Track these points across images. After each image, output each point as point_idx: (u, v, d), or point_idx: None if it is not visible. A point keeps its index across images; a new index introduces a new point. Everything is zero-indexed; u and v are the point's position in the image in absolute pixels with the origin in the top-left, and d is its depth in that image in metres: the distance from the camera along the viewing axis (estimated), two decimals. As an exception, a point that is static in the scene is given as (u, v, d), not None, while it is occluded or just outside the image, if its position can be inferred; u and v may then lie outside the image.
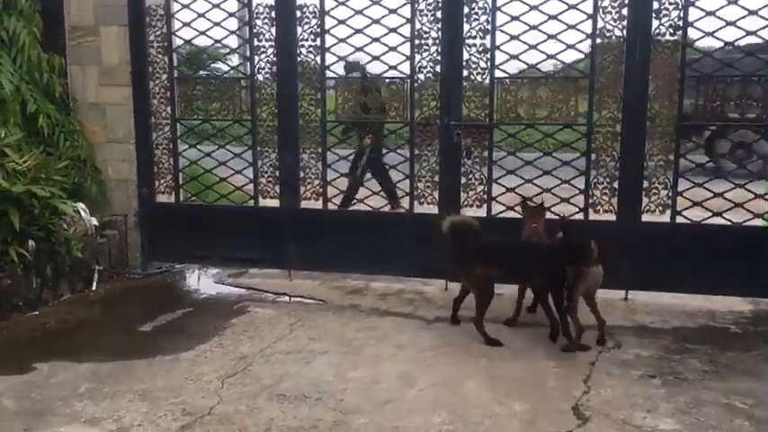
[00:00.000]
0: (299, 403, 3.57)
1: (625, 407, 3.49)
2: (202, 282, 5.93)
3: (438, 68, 5.35)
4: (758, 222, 5.03)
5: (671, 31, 4.91)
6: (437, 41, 5.31)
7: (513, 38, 5.18)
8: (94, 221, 5.63)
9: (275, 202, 5.84)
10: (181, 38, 5.88)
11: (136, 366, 4.06)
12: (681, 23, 4.89)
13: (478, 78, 5.33)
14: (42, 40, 5.69)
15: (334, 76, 5.71)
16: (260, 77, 5.71)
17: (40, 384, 3.82)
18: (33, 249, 5.00)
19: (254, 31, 5.63)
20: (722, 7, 4.84)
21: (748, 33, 4.79)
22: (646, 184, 5.12)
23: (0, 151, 5.01)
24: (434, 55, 5.34)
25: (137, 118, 5.90)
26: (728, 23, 4.78)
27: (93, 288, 5.62)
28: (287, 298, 5.43)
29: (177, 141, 5.99)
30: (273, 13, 5.57)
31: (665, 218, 5.12)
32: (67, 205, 5.26)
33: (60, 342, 4.52)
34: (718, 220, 5.05)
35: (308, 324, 4.78)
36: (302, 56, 5.58)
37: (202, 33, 5.84)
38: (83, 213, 5.52)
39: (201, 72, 6.06)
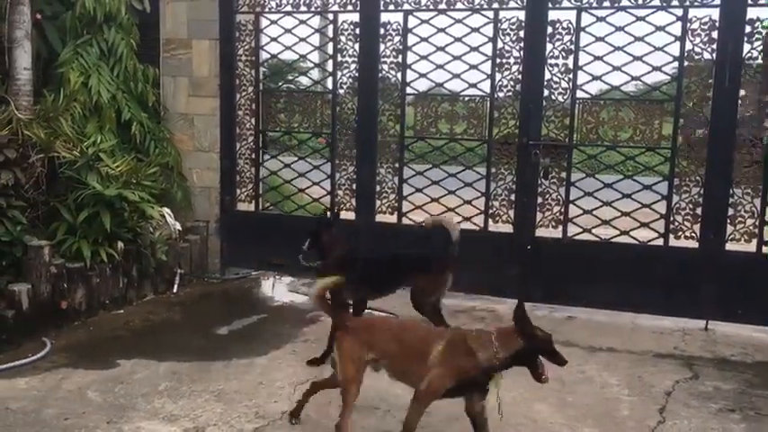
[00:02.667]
0: (368, 414, 3.62)
1: (702, 441, 3.39)
2: (277, 289, 6.08)
3: (518, 87, 5.36)
4: None
5: (763, 54, 4.76)
6: (519, 60, 5.32)
7: (596, 58, 5.13)
8: (178, 226, 5.86)
9: (351, 215, 5.93)
10: (268, 52, 6.09)
11: (212, 368, 4.20)
12: (774, 47, 4.74)
13: (559, 98, 5.30)
14: (138, 51, 5.99)
15: (414, 92, 5.77)
16: (341, 92, 5.84)
17: (123, 380, 4.01)
18: (122, 250, 5.25)
19: (338, 46, 5.77)
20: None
21: None
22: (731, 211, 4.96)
23: (96, 156, 5.29)
24: (515, 74, 5.35)
25: (222, 128, 6.14)
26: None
27: (175, 290, 5.84)
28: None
29: (260, 152, 6.18)
30: (357, 30, 5.69)
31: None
32: (155, 210, 5.49)
33: (142, 341, 4.72)
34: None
35: (378, 336, 4.81)
36: (383, 72, 5.68)
37: (288, 48, 6.03)
38: (168, 218, 5.75)
39: (285, 86, 6.23)
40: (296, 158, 6.28)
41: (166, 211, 5.78)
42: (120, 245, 5.23)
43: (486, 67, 5.43)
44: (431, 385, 3.07)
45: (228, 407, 3.68)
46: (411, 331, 3.36)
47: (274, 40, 5.99)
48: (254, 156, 6.18)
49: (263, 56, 6.12)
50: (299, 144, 6.47)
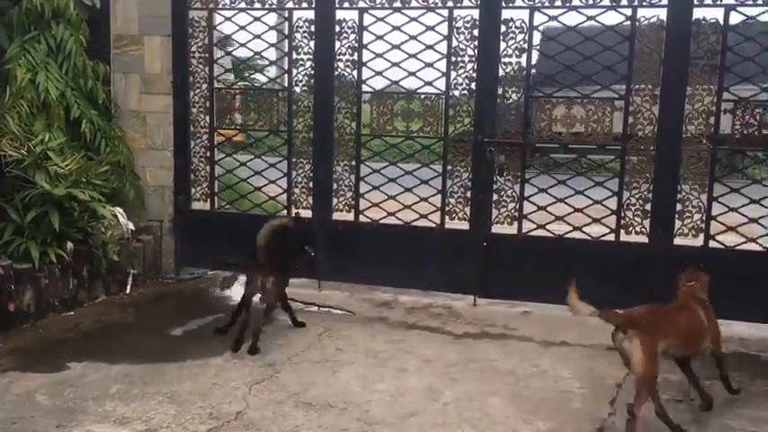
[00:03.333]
0: (325, 412, 3.61)
1: (651, 430, 3.45)
2: (234, 289, 6.02)
3: (473, 85, 5.39)
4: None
5: (708, 55, 4.88)
6: (473, 59, 5.36)
7: (549, 57, 5.21)
8: (131, 226, 5.74)
9: (308, 213, 5.90)
10: (222, 49, 6.02)
11: (166, 369, 4.14)
12: (719, 47, 4.85)
13: (514, 96, 5.35)
14: (88, 47, 5.85)
15: (371, 90, 5.77)
16: (297, 90, 5.81)
17: (73, 383, 3.92)
18: (71, 251, 5.13)
19: (293, 44, 5.73)
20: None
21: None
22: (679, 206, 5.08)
23: (44, 154, 5.16)
24: (470, 72, 5.38)
25: (176, 126, 6.05)
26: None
27: (128, 291, 5.74)
28: (316, 308, 5.48)
29: (214, 150, 6.11)
30: (313, 27, 5.67)
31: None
32: (106, 209, 5.38)
33: (94, 343, 4.62)
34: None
35: (335, 335, 4.82)
36: (339, 70, 5.67)
37: (242, 45, 5.98)
38: (120, 218, 5.63)
39: (241, 83, 6.17)
40: (252, 156, 6.22)
41: (118, 210, 5.66)
42: (70, 245, 5.11)
43: (442, 65, 5.45)
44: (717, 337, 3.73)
45: (182, 408, 3.63)
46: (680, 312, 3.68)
47: (229, 37, 5.93)
48: (208, 154, 6.10)
49: (217, 53, 6.05)
50: (255, 142, 6.41)
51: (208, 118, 6.05)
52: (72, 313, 5.17)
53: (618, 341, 3.43)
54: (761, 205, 4.97)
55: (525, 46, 5.23)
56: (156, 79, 6.02)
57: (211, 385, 3.93)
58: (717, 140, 5.00)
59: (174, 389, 3.86)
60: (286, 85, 5.87)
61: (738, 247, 5.00)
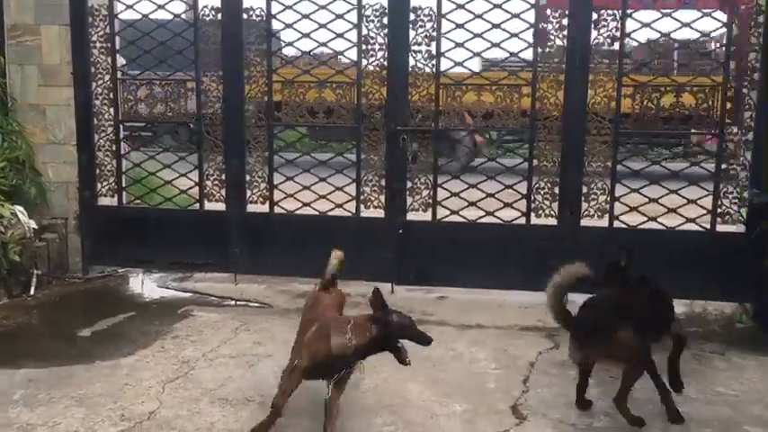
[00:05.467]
0: (242, 407, 3.56)
1: (561, 406, 3.58)
2: (146, 286, 5.85)
3: (384, 74, 5.40)
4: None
5: (609, 41, 5.07)
6: (384, 47, 5.36)
7: (458, 45, 5.28)
8: (33, 224, 5.49)
9: (221, 206, 5.79)
10: (124, 39, 5.80)
11: (74, 372, 3.98)
12: (618, 34, 5.04)
13: (424, 84, 5.39)
14: (-21, 38, 5.54)
15: (282, 79, 5.69)
16: (206, 79, 5.67)
17: (-27, 391, 3.72)
18: (-32, 253, 4.86)
19: (200, 32, 5.58)
20: (656, 20, 5.04)
21: (682, 47, 4.98)
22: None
23: (-67, 152, 4.87)
24: (381, 60, 5.39)
25: (78, 119, 5.78)
26: (663, 35, 4.97)
27: (32, 293, 5.47)
28: (232, 302, 5.40)
29: (120, 143, 5.90)
30: (220, 15, 5.53)
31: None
32: (5, 208, 5.14)
33: (-5, 348, 4.40)
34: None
35: (253, 328, 4.76)
36: (249, 58, 5.56)
37: (146, 35, 5.78)
38: (21, 216, 5.38)
39: (146, 73, 5.95)
40: (161, 149, 6.04)
41: (19, 208, 5.40)
42: (-34, 247, 4.85)
43: (353, 53, 5.45)
44: (295, 365, 3.20)
45: (91, 411, 3.50)
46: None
47: (131, 26, 5.72)
48: (114, 147, 5.87)
49: (120, 42, 5.83)
50: (163, 134, 6.22)
51: (112, 110, 5.82)
52: (-29, 318, 4.91)
53: None
54: (661, 186, 5.21)
55: (434, 34, 5.28)
56: (56, 71, 5.74)
57: (122, 386, 3.80)
58: (619, 125, 5.20)
59: (83, 391, 3.72)
60: (194, 75, 5.72)
61: (640, 227, 5.23)
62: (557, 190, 5.30)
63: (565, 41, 5.12)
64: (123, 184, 5.96)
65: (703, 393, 3.77)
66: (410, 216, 5.55)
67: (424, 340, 3.11)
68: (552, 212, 5.32)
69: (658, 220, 5.21)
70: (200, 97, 5.67)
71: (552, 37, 5.14)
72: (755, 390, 3.84)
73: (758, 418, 3.49)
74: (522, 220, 5.38)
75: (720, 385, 3.89)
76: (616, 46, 5.07)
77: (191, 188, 5.96)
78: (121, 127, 5.92)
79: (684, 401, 3.63)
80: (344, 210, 5.62)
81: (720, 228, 5.15)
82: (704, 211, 5.16)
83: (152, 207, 6.06)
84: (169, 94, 5.79)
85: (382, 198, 5.54)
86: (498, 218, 5.41)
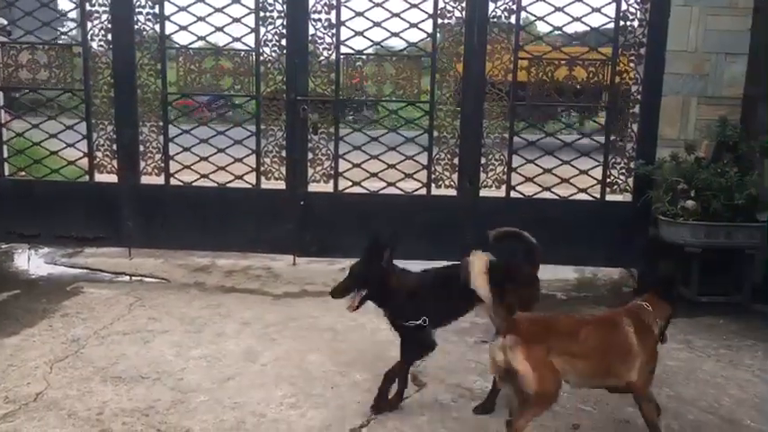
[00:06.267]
0: (135, 384, 3.44)
1: (459, 371, 3.67)
2: (32, 262, 5.56)
3: (284, 42, 5.29)
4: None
5: (506, 14, 5.15)
6: (282, 14, 5.24)
7: (358, 14, 5.22)
8: None
9: (113, 178, 5.54)
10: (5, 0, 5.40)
11: (-49, 355, 3.73)
12: (515, 7, 5.13)
13: (324, 54, 5.32)
14: None
15: (176, 45, 5.47)
16: (94, 45, 5.36)
17: None
18: None
19: (87, -6, 5.27)
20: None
21: (575, 20, 5.12)
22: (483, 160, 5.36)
23: None
24: (280, 28, 5.26)
25: (-49, 86, 5.37)
26: (557, 9, 5.09)
27: None
28: (126, 277, 5.21)
29: (1, 112, 5.51)
30: (107, -24, 5.24)
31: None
32: None
33: None
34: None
35: (148, 303, 4.61)
36: (140, 23, 5.30)
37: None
38: None
39: (26, 38, 5.56)
40: (45, 118, 5.67)
41: None
42: None
43: (251, 20, 5.28)
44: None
45: (-29, 395, 3.30)
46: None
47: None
48: (-6, 116, 5.50)
49: (-1, 2, 5.43)
50: (47, 102, 5.84)
51: (-9, 77, 5.43)
52: None
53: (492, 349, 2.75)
54: (554, 157, 5.39)
55: (334, 2, 5.19)
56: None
57: (6, 367, 3.60)
58: (515, 97, 5.32)
59: (-39, 375, 3.50)
60: (80, 39, 5.40)
61: (536, 197, 5.39)
62: (456, 161, 5.38)
63: (464, 13, 5.15)
64: (5, 155, 5.59)
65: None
66: (312, 187, 5.50)
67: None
68: (452, 183, 5.40)
69: (552, 190, 5.38)
70: (87, 63, 5.37)
71: (451, 9, 5.16)
72: (639, 349, 4.06)
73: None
74: (424, 191, 5.44)
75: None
76: (513, 19, 5.15)
77: (79, 159, 5.66)
78: (1, 94, 5.53)
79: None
80: (245, 182, 5.50)
81: (609, 197, 5.38)
82: (594, 182, 5.38)
83: (37, 179, 5.72)
84: (53, 60, 5.44)
85: (283, 170, 5.45)
86: (400, 189, 5.44)
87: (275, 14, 5.24)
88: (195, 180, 5.56)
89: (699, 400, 3.44)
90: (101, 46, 5.36)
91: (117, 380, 3.48)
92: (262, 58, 5.33)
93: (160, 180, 5.53)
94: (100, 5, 5.27)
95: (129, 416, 3.13)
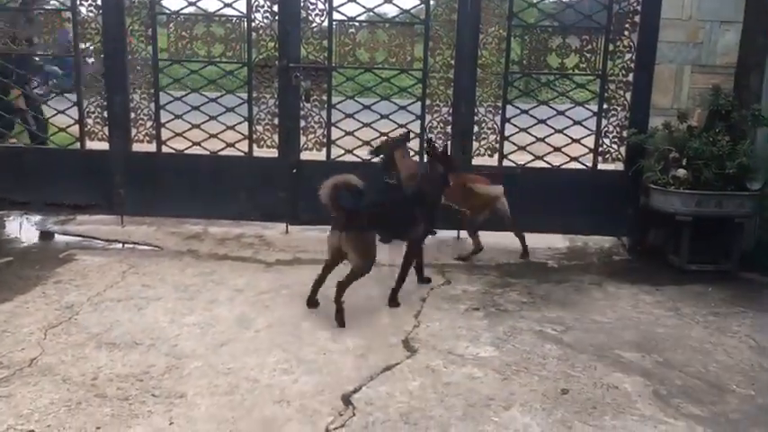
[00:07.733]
0: (130, 350, 3.47)
1: (450, 338, 3.71)
2: (24, 230, 5.54)
3: (276, 8, 5.23)
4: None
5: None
6: (274, -20, 5.18)
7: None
8: None
9: (105, 145, 5.51)
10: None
11: (-57, 322, 3.74)
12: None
13: (317, 20, 5.27)
14: None
15: (166, 11, 5.40)
16: (83, 9, 5.30)
17: None
18: None
19: (75, -44, 5.19)
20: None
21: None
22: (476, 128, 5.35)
23: None
24: (272, -6, 5.21)
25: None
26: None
27: None
28: (119, 245, 5.21)
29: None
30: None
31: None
32: None
33: None
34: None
35: (141, 271, 4.62)
36: (131, -15, 5.24)
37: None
38: None
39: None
40: (35, 85, 5.64)
41: None
42: None
43: (242, -15, 5.23)
44: None
45: (-35, 361, 3.32)
46: None
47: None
48: (-17, 83, 5.44)
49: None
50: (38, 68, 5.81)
51: (-23, 42, 5.36)
52: None
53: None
54: (547, 125, 5.39)
55: (325, -32, 5.14)
56: None
57: (0, 333, 3.62)
58: (508, 65, 5.29)
59: (-45, 342, 3.51)
60: (69, 4, 5.32)
61: (528, 165, 5.40)
62: (449, 129, 5.37)
63: (458, -19, 5.11)
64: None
65: (581, 322, 3.99)
66: (304, 155, 5.49)
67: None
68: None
69: (545, 158, 5.39)
70: (76, 28, 5.30)
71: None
72: (628, 317, 4.11)
73: (630, 343, 3.74)
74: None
75: (597, 314, 4.14)
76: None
77: (70, 126, 5.62)
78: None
79: (564, 330, 3.86)
80: (237, 149, 5.48)
81: (601, 166, 5.40)
82: (587, 150, 5.38)
83: (27, 146, 5.69)
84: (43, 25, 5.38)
85: (275, 137, 5.44)
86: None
87: (267, -20, 5.18)
88: (187, 148, 5.54)
89: (687, 366, 3.50)
90: (90, 11, 5.29)
91: (111, 346, 3.51)
92: (253, 24, 5.28)
93: (152, 148, 5.51)
94: (88, -31, 5.19)
95: (123, 381, 3.16)
